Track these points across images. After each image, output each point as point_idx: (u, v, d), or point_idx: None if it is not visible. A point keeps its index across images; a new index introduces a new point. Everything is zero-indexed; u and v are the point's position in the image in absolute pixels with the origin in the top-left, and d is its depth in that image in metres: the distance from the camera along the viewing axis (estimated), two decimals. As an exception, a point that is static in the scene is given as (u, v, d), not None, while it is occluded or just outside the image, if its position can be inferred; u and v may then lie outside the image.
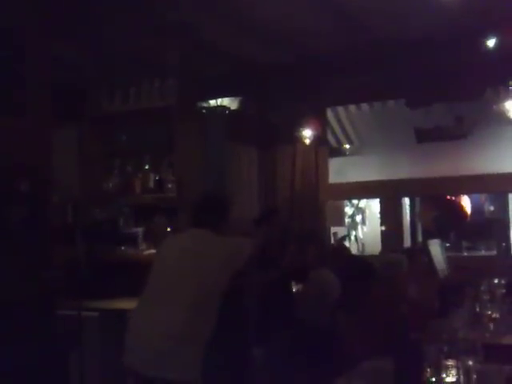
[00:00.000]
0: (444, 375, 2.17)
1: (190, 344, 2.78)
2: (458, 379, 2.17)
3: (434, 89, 5.32)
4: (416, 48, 5.08)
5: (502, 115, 5.29)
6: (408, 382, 2.31)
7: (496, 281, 3.84)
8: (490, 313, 3.48)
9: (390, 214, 6.35)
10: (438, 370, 2.19)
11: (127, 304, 3.74)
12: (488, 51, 4.73)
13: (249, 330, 3.82)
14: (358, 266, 4.75)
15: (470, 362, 2.20)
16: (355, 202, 8.25)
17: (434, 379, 2.19)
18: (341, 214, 7.14)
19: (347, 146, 7.61)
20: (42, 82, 4.08)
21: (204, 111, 5.53)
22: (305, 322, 4.08)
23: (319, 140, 6.03)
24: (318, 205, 6.00)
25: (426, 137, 6.52)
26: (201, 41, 4.82)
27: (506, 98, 5.14)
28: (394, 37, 5.02)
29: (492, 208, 7.63)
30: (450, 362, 2.18)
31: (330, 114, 6.67)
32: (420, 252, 5.34)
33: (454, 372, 2.17)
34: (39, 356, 3.50)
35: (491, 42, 4.71)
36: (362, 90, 5.68)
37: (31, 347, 3.47)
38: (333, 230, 6.84)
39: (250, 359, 3.82)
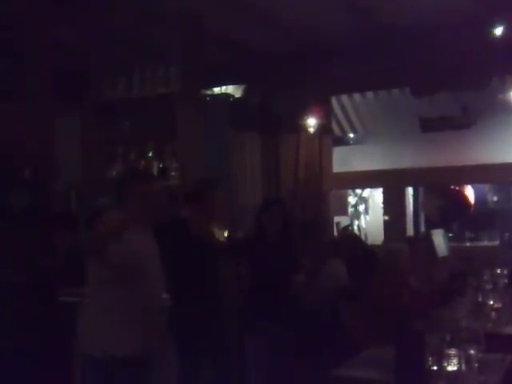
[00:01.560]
0: (446, 364, 2.18)
1: (118, 319, 2.77)
2: (459, 368, 2.17)
3: (439, 77, 5.28)
4: (421, 36, 5.04)
5: (507, 104, 5.26)
6: (410, 371, 2.31)
7: (498, 271, 3.84)
8: (492, 302, 3.48)
9: (393, 204, 6.35)
10: (440, 358, 2.19)
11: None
12: (495, 40, 4.69)
13: (251, 317, 3.81)
14: (368, 253, 4.76)
15: (472, 351, 2.20)
16: (358, 191, 8.23)
17: (435, 368, 2.19)
18: (344, 204, 7.13)
19: (351, 135, 7.58)
20: (44, 69, 4.06)
21: (208, 99, 5.50)
22: (308, 310, 4.10)
23: (323, 129, 6.00)
24: (321, 194, 5.99)
25: (430, 126, 6.48)
26: (204, 29, 4.79)
27: (512, 87, 5.11)
28: (399, 24, 4.98)
29: (495, 198, 7.61)
30: (452, 351, 2.18)
31: (334, 102, 6.64)
32: (423, 241, 5.33)
33: (455, 361, 2.17)
34: (40, 342, 3.51)
35: (498, 31, 4.67)
36: (366, 78, 5.64)
37: (32, 333, 3.49)
38: (335, 219, 6.83)
39: (247, 346, 3.84)
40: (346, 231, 6.55)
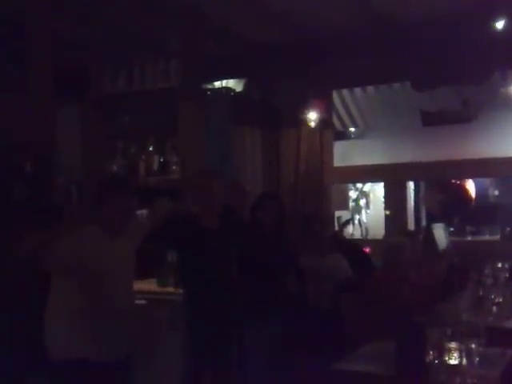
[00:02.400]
0: (447, 358, 2.18)
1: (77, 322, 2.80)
2: (460, 362, 2.17)
3: (440, 71, 5.26)
4: (422, 29, 5.02)
5: (508, 99, 5.24)
6: (410, 365, 2.31)
7: (499, 265, 3.84)
8: (493, 296, 3.49)
9: (394, 198, 6.33)
10: (441, 352, 2.19)
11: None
12: (496, 33, 4.67)
13: (250, 309, 3.81)
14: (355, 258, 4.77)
15: (473, 345, 2.20)
16: (359, 185, 8.22)
17: (436, 361, 2.19)
18: (345, 198, 7.13)
19: (352, 129, 7.56)
20: (44, 63, 4.05)
21: (208, 93, 5.49)
22: (308, 305, 4.10)
23: (324, 123, 5.99)
24: (322, 188, 5.98)
25: (431, 120, 6.47)
26: (204, 23, 4.77)
27: (514, 81, 5.09)
28: (400, 18, 4.96)
29: (497, 192, 7.60)
30: (453, 345, 2.18)
31: (335, 96, 6.62)
32: (424, 236, 5.33)
33: (456, 355, 2.17)
34: (37, 336, 3.50)
35: (499, 24, 4.65)
36: (367, 72, 5.62)
37: (30, 327, 3.48)
38: (337, 214, 6.82)
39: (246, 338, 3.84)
40: (340, 227, 6.56)
